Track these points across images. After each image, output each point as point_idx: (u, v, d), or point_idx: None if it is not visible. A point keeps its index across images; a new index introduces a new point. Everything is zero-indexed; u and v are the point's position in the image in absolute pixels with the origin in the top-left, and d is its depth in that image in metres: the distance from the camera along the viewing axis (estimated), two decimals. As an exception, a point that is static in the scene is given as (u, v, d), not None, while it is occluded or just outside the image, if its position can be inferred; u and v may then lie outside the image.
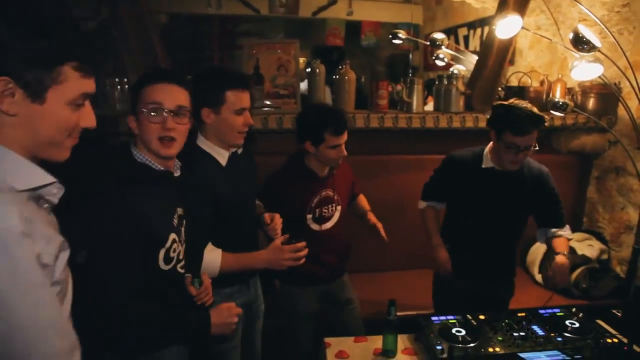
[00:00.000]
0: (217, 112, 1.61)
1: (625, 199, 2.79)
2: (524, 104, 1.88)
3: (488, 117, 2.03)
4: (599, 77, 2.09)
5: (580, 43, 1.90)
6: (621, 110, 2.82)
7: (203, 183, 1.63)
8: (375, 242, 2.26)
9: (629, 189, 2.76)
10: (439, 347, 1.64)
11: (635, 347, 1.71)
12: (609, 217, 2.92)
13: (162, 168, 1.38)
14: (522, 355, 1.61)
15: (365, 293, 2.56)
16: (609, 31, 2.05)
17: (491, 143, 2.01)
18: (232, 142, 1.69)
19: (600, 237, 2.93)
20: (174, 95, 1.34)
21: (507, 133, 1.85)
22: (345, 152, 1.97)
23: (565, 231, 2.13)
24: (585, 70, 2.02)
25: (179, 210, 1.47)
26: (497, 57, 2.72)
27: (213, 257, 1.67)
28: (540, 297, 2.65)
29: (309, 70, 2.73)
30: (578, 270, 2.65)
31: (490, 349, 1.64)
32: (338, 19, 6.03)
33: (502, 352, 1.63)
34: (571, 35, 1.92)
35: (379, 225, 2.22)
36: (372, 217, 2.27)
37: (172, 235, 1.39)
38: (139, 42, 2.45)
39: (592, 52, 1.93)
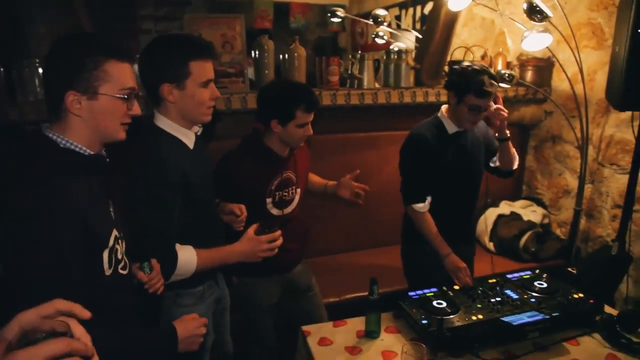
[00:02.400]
0: (181, 86, 1.40)
1: (562, 165, 2.97)
2: (482, 65, 1.91)
3: (446, 80, 2.04)
4: (547, 47, 2.17)
5: (534, 12, 1.95)
6: (554, 82, 2.99)
7: (171, 166, 1.42)
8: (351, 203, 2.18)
9: (566, 156, 2.93)
10: (424, 322, 1.62)
11: (598, 301, 1.81)
12: (548, 183, 3.10)
13: (91, 152, 1.14)
14: (505, 319, 1.64)
15: (328, 276, 2.50)
16: (557, 1, 2.12)
17: (444, 108, 2.04)
18: (200, 119, 1.49)
19: (540, 203, 3.11)
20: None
21: (470, 96, 1.87)
22: (311, 131, 1.85)
23: None
24: (536, 40, 2.09)
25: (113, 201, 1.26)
26: (442, 32, 2.74)
27: (188, 256, 1.48)
28: (494, 263, 2.74)
29: (257, 49, 2.57)
30: (526, 235, 2.79)
31: (474, 317, 1.65)
32: (266, 1, 5.84)
33: (485, 318, 1.64)
34: (525, 5, 1.96)
35: (349, 180, 2.11)
36: (331, 182, 2.18)
37: (114, 232, 1.17)
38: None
39: (544, 22, 1.99)
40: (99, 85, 1.10)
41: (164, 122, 1.47)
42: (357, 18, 3.73)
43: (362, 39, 5.70)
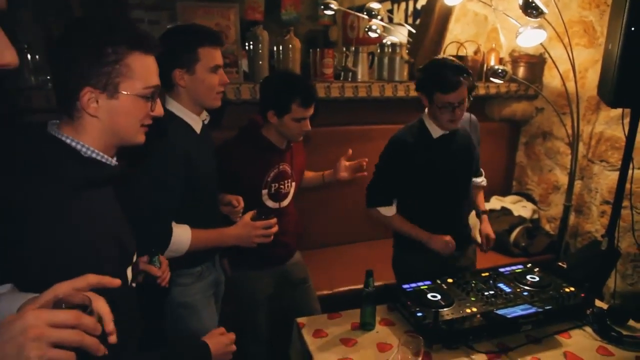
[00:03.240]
0: (191, 71, 1.48)
1: (553, 161, 3.00)
2: (445, 58, 1.82)
3: (415, 82, 1.92)
4: (540, 44, 2.19)
5: (529, 8, 1.95)
6: (546, 79, 3.01)
7: (178, 149, 1.47)
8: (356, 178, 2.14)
9: (556, 152, 2.97)
10: (419, 314, 1.63)
11: (589, 294, 1.84)
12: (538, 179, 3.13)
13: (115, 163, 1.02)
14: (499, 312, 1.65)
15: (321, 269, 2.50)
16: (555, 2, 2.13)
17: (426, 110, 1.92)
18: (210, 104, 1.56)
19: (530, 198, 3.14)
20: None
21: (438, 94, 1.77)
22: (309, 127, 1.84)
23: (483, 179, 2.22)
24: (531, 36, 2.10)
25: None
26: (437, 25, 2.75)
27: (182, 233, 1.50)
28: (485, 258, 2.76)
29: (250, 40, 2.54)
30: (516, 230, 2.82)
31: (469, 310, 1.65)
32: (257, -8, 5.78)
33: (480, 311, 1.65)
34: (521, 1, 1.97)
35: (344, 164, 2.08)
36: (328, 171, 2.16)
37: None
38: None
39: (539, 18, 2.00)
40: (120, 82, 0.95)
41: (174, 106, 1.53)
42: (350, 11, 3.70)
43: (353, 32, 5.68)
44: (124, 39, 0.94)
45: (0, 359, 0.59)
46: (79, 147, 0.95)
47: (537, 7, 1.93)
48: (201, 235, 1.54)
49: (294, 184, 2.01)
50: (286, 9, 6.08)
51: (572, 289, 1.86)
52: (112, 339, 0.71)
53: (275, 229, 1.63)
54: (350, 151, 2.09)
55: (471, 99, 1.83)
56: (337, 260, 2.75)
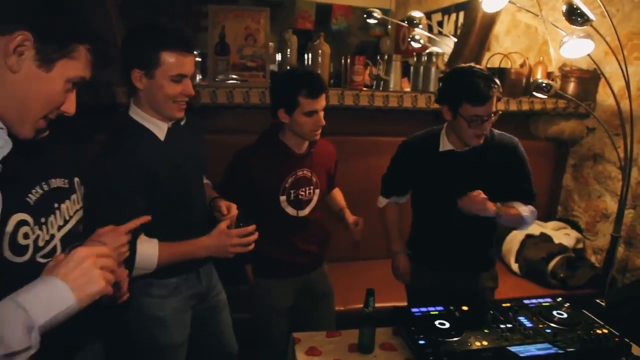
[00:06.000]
0: (150, 75, 1.35)
1: (603, 186, 2.73)
2: (472, 66, 1.65)
3: (435, 93, 1.78)
4: (588, 55, 1.99)
5: (573, 14, 1.78)
6: (600, 97, 2.76)
7: (133, 159, 1.38)
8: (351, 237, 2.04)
9: (607, 177, 2.70)
10: (421, 342, 1.49)
11: (626, 339, 1.61)
12: (585, 206, 2.86)
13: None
14: (511, 349, 1.48)
15: (338, 284, 2.39)
16: (605, 8, 1.93)
17: (447, 123, 1.76)
18: (168, 114, 1.42)
19: (575, 226, 2.87)
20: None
21: (466, 105, 1.59)
22: (323, 121, 1.75)
23: (526, 208, 1.83)
24: (576, 47, 1.91)
25: (54, 183, 1.10)
26: (478, 36, 2.59)
27: (149, 249, 1.41)
28: (518, 287, 2.55)
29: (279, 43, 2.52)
30: (556, 259, 2.57)
31: (478, 343, 1.49)
32: (309, 2, 5.81)
33: (490, 345, 1.49)
34: (564, 7, 1.79)
35: (352, 225, 1.96)
36: (348, 215, 2.02)
37: (18, 216, 1.01)
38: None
39: (585, 26, 1.81)
40: None
41: (135, 111, 1.44)
42: (393, 20, 3.60)
43: (404, 44, 5.57)
44: None
45: (73, 280, 0.84)
46: None
47: (582, 14, 1.74)
48: (171, 249, 1.44)
49: (317, 191, 1.92)
50: (336, 19, 6.15)
51: (606, 330, 1.65)
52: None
53: (255, 236, 1.52)
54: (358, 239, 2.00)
55: (499, 112, 1.65)
56: (358, 275, 2.63)
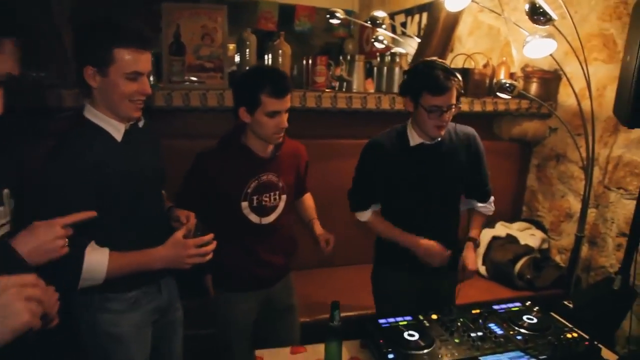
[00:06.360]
0: (104, 73, 1.28)
1: (566, 186, 2.75)
2: (434, 60, 1.72)
3: (400, 84, 1.83)
4: (551, 55, 1.97)
5: (536, 14, 1.75)
6: (561, 97, 2.77)
7: (83, 161, 1.28)
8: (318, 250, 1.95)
9: (570, 177, 2.71)
10: (390, 356, 1.41)
11: (595, 342, 1.59)
12: (549, 206, 2.87)
13: None
14: (482, 359, 1.42)
15: (302, 293, 2.29)
16: (566, 8, 1.92)
17: (410, 119, 1.82)
18: (124, 113, 1.35)
19: (540, 226, 2.88)
20: None
21: (426, 95, 1.65)
22: (286, 124, 1.65)
23: (489, 206, 1.98)
24: (539, 46, 1.89)
25: None
26: (441, 37, 2.56)
27: (97, 258, 1.30)
28: (486, 290, 2.53)
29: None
30: (522, 261, 2.56)
31: (449, 355, 1.43)
32: (271, 2, 5.71)
33: (462, 357, 1.43)
34: (527, 6, 1.77)
35: (323, 242, 1.89)
36: (318, 228, 1.94)
37: None
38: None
39: (548, 25, 1.79)
40: None
41: (90, 111, 1.35)
42: (356, 21, 3.55)
43: (368, 45, 5.53)
44: None
45: None
46: None
47: (544, 13, 1.72)
48: (122, 259, 1.33)
49: (284, 196, 1.80)
50: (300, 20, 6.06)
51: (576, 334, 1.62)
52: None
53: (212, 245, 1.42)
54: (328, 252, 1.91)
55: (460, 106, 1.71)
56: (323, 283, 2.55)
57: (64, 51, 2.26)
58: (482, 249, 2.70)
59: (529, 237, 2.72)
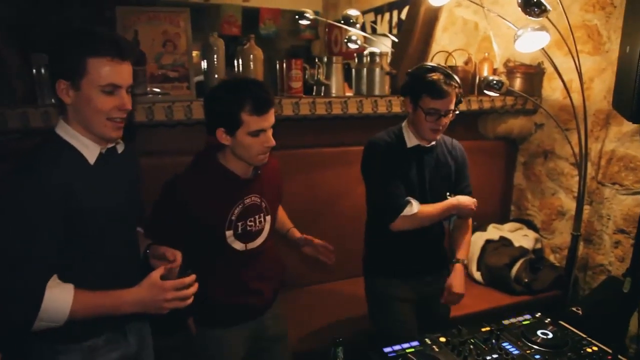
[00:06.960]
0: (76, 86, 1.14)
1: (556, 183, 2.66)
2: (437, 64, 1.75)
3: (401, 85, 1.82)
4: (543, 49, 1.86)
5: (530, 5, 1.63)
6: (545, 91, 2.69)
7: (49, 181, 1.11)
8: (319, 260, 1.80)
9: (560, 173, 2.62)
10: (403, 394, 1.25)
11: (619, 356, 1.47)
12: (539, 204, 2.78)
13: None
14: (505, 389, 1.28)
15: (292, 316, 2.10)
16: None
17: (406, 120, 1.83)
18: (99, 132, 1.19)
19: (531, 225, 2.78)
20: None
21: (426, 98, 1.66)
22: (272, 141, 1.45)
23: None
24: (532, 40, 1.77)
25: None
26: (421, 33, 2.44)
27: (60, 295, 1.10)
28: (483, 297, 2.40)
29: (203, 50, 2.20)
30: (518, 264, 2.45)
31: (467, 386, 1.28)
32: (234, 6, 5.49)
33: (481, 388, 1.28)
34: (519, -3, 1.64)
35: (315, 241, 1.75)
36: (297, 233, 1.80)
37: None
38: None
39: (542, 17, 1.67)
40: None
41: (63, 128, 1.19)
42: (328, 21, 3.39)
43: (337, 47, 5.39)
44: None
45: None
46: None
47: (539, 4, 1.60)
48: (89, 299, 1.14)
49: (268, 218, 1.61)
50: (265, 23, 5.86)
51: (596, 347, 1.51)
52: None
53: (194, 288, 1.23)
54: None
55: (457, 111, 1.72)
56: (314, 304, 2.35)
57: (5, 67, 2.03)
58: (475, 254, 2.58)
59: (522, 238, 2.61)
